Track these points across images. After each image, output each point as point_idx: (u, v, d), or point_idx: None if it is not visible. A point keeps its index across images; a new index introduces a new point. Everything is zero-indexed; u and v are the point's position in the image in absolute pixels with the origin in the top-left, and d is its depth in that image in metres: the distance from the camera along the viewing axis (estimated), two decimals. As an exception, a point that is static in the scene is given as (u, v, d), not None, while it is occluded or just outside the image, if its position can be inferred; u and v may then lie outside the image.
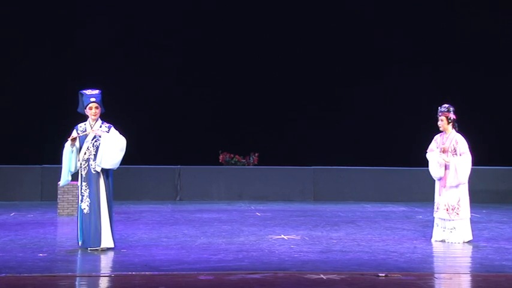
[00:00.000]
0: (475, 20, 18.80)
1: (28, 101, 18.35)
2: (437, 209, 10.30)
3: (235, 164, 17.90)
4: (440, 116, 10.31)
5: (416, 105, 18.82)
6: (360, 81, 19.00)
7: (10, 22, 18.34)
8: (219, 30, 19.21)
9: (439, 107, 10.36)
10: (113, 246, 9.31)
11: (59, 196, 13.54)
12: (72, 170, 9.41)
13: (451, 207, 10.16)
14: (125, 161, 9.50)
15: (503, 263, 8.77)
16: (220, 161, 17.97)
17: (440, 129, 10.36)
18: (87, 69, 17.78)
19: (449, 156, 10.21)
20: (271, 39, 19.18)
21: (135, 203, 15.82)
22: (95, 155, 9.31)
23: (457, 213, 10.15)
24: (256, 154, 18.02)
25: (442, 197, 10.25)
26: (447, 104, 10.35)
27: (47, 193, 15.97)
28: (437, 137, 10.45)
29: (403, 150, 18.19)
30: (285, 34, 19.19)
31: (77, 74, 17.53)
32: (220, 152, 18.03)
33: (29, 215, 13.40)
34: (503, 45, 18.93)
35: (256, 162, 17.98)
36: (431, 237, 10.46)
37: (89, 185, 9.32)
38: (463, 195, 10.20)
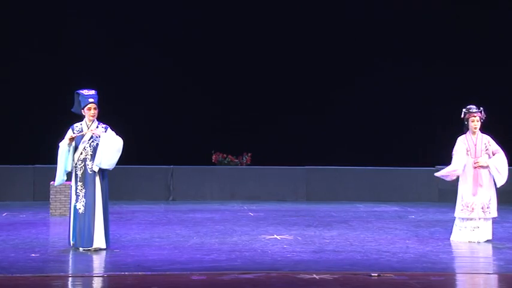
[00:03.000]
0: (473, 18, 18.80)
1: (20, 101, 18.27)
2: (473, 209, 10.23)
3: (228, 164, 17.88)
4: (475, 116, 10.33)
5: (410, 105, 18.83)
6: (354, 81, 18.99)
7: (1, 21, 18.28)
8: (212, 30, 19.17)
9: (470, 108, 10.37)
10: (105, 246, 9.29)
11: (51, 196, 13.50)
12: (68, 169, 9.39)
13: (486, 206, 10.25)
14: (118, 161, 9.47)
15: (496, 262, 8.80)
16: (213, 161, 17.95)
17: (474, 130, 10.35)
18: (80, 69, 17.72)
19: (484, 156, 10.30)
20: (264, 40, 19.15)
21: (127, 203, 15.76)
22: (92, 155, 9.29)
23: (489, 212, 10.26)
24: (249, 154, 18.00)
25: (478, 197, 10.25)
26: (473, 105, 10.40)
27: (39, 193, 15.91)
28: (463, 139, 10.42)
29: (396, 150, 18.21)
30: (278, 34, 19.16)
31: (70, 73, 17.47)
32: (213, 152, 18.00)
33: (21, 215, 13.36)
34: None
35: (249, 162, 17.97)
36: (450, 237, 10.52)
37: (85, 185, 9.29)
38: (493, 194, 10.34)
